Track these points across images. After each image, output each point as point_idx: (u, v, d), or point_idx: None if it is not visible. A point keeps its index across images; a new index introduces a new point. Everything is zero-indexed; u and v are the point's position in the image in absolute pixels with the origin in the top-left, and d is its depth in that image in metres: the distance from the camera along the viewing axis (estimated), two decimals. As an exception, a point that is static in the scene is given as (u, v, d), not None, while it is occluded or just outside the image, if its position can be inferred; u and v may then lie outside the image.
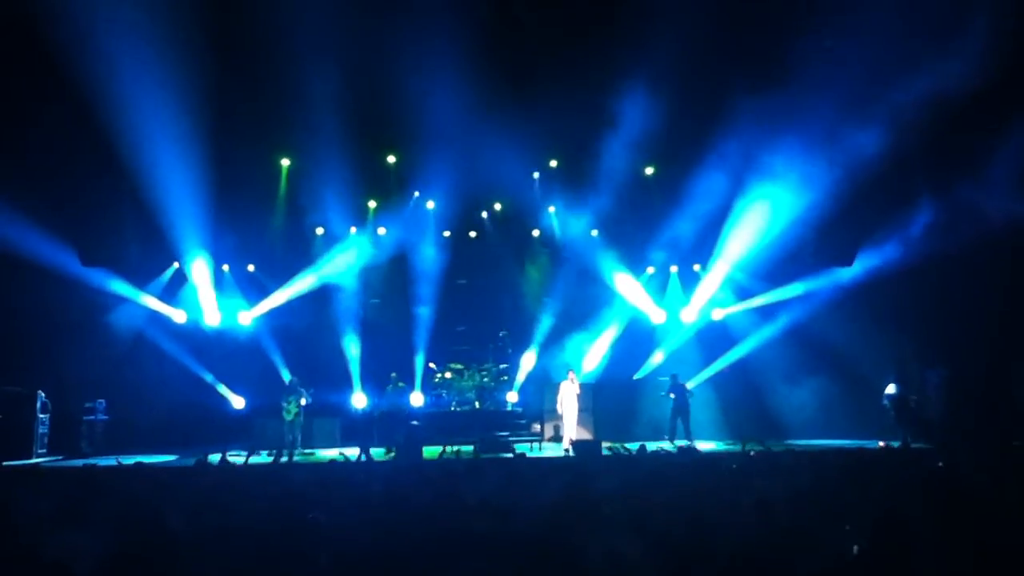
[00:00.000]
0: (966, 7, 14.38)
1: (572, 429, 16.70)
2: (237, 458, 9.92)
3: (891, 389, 16.36)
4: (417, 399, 18.58)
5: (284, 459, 12.74)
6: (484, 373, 18.59)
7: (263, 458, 10.89)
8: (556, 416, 17.26)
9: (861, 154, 16.35)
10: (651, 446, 11.16)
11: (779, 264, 18.83)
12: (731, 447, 15.50)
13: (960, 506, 3.67)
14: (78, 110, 15.37)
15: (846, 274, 18.81)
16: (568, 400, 16.84)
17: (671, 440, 16.53)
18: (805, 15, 15.70)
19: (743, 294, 19.67)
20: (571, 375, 17.22)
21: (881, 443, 14.87)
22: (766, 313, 19.25)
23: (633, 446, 10.73)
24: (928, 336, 17.48)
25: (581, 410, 17.27)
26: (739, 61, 16.54)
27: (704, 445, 15.60)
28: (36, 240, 16.51)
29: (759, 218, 18.12)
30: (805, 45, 15.76)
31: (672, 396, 17.39)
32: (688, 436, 16.72)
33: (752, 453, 9.88)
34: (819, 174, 17.06)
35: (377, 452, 11.40)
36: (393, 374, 17.88)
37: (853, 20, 15.06)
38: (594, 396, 18.10)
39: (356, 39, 15.43)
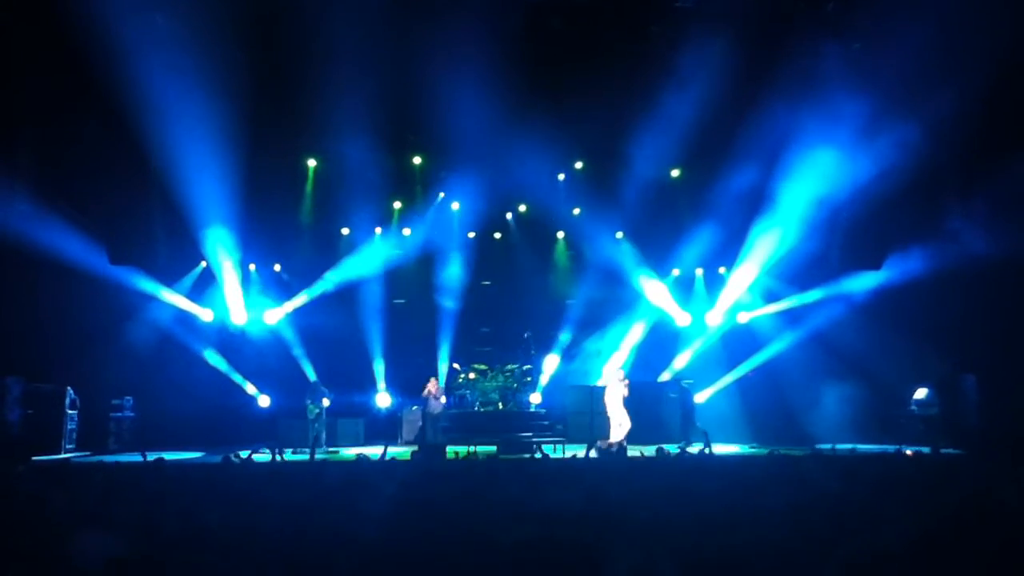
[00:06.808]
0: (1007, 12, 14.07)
1: (619, 429, 15.47)
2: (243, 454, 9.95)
3: (921, 394, 16.05)
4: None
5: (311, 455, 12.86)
6: (508, 374, 18.57)
7: (266, 457, 10.90)
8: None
9: (892, 156, 16.10)
10: (669, 448, 11.03)
11: (806, 267, 18.63)
12: (756, 451, 15.32)
13: (999, 522, 3.57)
14: (108, 111, 15.56)
15: (875, 278, 18.53)
16: (614, 399, 15.72)
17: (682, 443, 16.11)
18: (837, 19, 15.52)
19: (770, 297, 19.47)
20: (620, 374, 16.09)
21: (909, 451, 14.54)
22: (793, 317, 19.04)
23: (650, 449, 10.62)
24: (960, 341, 17.13)
25: (599, 412, 16.53)
26: (768, 63, 16.34)
27: (728, 448, 15.42)
28: (65, 238, 16.64)
29: (786, 221, 17.93)
30: (836, 48, 15.55)
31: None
32: (685, 437, 16.35)
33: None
34: (848, 176, 16.84)
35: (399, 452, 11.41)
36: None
37: (888, 22, 14.82)
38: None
39: (382, 41, 15.48)
